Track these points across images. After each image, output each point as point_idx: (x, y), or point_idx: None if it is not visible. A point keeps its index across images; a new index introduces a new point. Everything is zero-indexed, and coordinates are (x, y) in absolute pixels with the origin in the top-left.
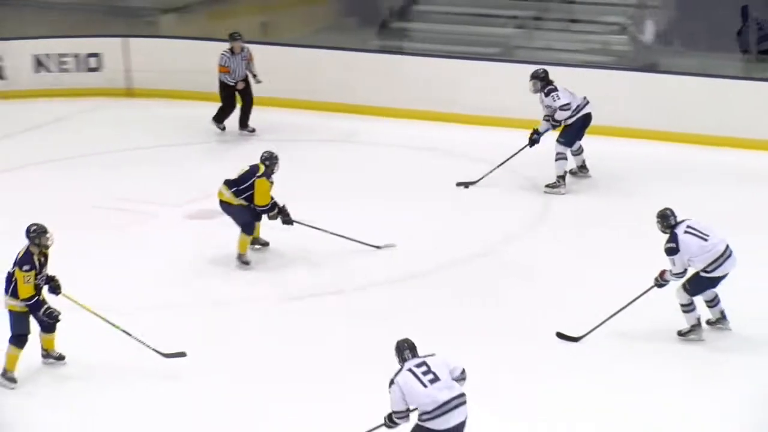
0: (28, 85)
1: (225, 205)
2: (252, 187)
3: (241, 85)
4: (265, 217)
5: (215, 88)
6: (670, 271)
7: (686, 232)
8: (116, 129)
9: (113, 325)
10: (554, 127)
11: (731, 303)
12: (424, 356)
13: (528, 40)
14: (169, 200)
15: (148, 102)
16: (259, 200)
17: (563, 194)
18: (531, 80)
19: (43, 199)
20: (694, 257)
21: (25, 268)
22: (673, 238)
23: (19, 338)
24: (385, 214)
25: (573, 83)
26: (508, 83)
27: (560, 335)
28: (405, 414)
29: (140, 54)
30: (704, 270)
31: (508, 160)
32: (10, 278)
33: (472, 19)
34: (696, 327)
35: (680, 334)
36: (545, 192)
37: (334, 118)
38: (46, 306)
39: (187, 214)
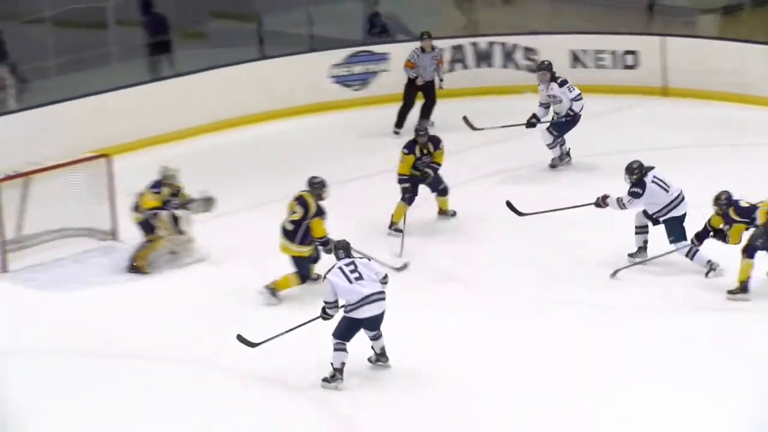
0: None
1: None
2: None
3: (420, 81)
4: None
5: (752, 90)
6: (620, 201)
7: (653, 182)
8: (649, 127)
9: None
10: (568, 118)
11: None
12: (355, 257)
13: None
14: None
15: (683, 102)
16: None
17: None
18: (539, 71)
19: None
20: (653, 203)
21: (324, 216)
22: (642, 185)
23: (303, 277)
24: None
25: None
26: None
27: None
28: (334, 305)
29: (677, 53)
30: (660, 213)
31: (507, 126)
32: (298, 229)
33: None
34: (711, 264)
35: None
36: (550, 169)
37: None
38: (333, 242)
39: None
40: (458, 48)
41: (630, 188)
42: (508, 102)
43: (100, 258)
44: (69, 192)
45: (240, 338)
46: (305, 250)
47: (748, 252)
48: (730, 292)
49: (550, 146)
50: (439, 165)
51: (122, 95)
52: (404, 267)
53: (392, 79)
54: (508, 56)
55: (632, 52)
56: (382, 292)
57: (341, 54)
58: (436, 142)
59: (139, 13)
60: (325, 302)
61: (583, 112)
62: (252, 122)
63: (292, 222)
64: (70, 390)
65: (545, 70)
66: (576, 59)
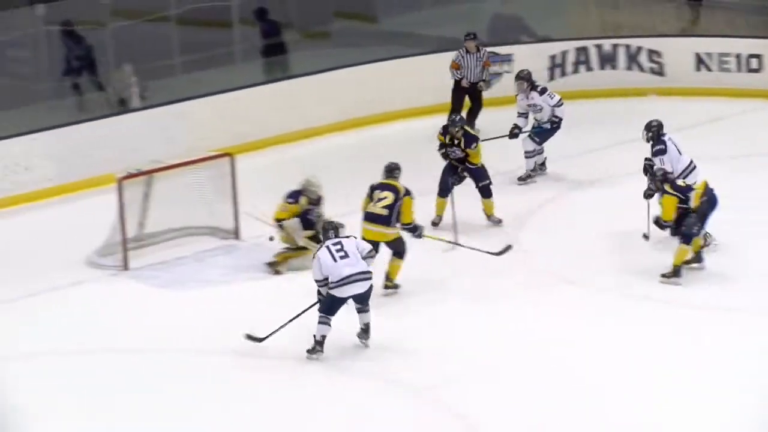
0: (687, 83)
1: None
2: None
3: (465, 83)
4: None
5: None
6: (663, 169)
7: (670, 139)
8: None
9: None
10: (553, 124)
11: None
12: (343, 237)
13: None
14: None
15: None
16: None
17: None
18: (517, 81)
19: None
20: (671, 163)
21: (413, 196)
22: (662, 142)
23: (404, 254)
24: None
25: None
26: None
27: None
28: (324, 282)
29: None
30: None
31: (491, 138)
32: (392, 213)
33: None
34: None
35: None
36: (519, 185)
37: None
38: (421, 227)
39: None
40: (582, 50)
41: (653, 149)
42: (632, 104)
43: (221, 257)
44: (192, 191)
45: (248, 336)
46: (398, 231)
47: (685, 239)
48: (663, 275)
49: (529, 155)
50: (474, 165)
51: (247, 94)
52: (507, 249)
53: None
54: (633, 58)
55: (757, 56)
56: (365, 272)
57: None
58: (468, 141)
59: (255, 20)
60: (315, 280)
61: (565, 117)
62: (377, 122)
63: (386, 207)
64: (189, 387)
65: (523, 79)
66: (700, 62)
